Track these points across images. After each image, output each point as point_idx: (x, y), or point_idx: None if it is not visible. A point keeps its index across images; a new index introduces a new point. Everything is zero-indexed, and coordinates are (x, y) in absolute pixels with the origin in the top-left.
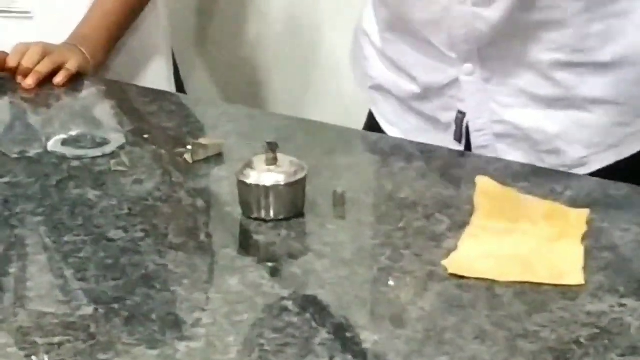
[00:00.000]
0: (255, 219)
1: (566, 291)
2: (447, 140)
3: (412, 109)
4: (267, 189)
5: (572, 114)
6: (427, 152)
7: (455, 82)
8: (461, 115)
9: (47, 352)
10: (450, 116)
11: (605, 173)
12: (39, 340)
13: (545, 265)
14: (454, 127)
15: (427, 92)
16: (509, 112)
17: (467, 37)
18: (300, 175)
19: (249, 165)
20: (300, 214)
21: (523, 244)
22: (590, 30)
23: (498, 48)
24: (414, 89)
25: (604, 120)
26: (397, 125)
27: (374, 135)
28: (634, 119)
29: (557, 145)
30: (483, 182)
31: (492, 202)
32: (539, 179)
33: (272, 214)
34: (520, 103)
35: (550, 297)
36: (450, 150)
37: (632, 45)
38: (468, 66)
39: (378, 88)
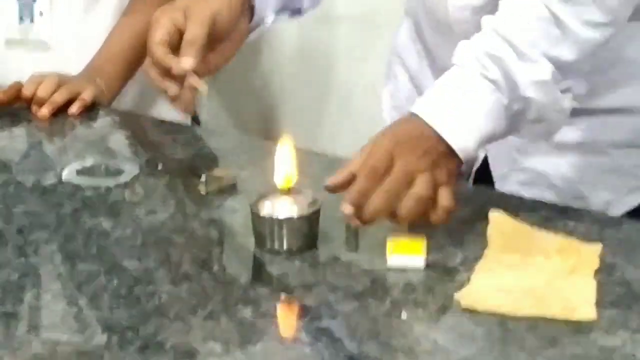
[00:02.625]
0: (269, 251)
1: (579, 326)
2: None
3: None
4: (280, 222)
5: (593, 159)
6: None
7: None
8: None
9: None
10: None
11: (630, 217)
12: None
13: (558, 300)
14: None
15: None
16: (530, 160)
17: None
18: (314, 209)
19: (263, 196)
20: (313, 246)
21: (536, 278)
22: (603, 77)
23: None
24: None
25: (624, 163)
26: None
27: None
28: None
29: (581, 191)
30: (496, 217)
31: (505, 236)
32: (551, 213)
33: (285, 246)
34: (541, 150)
35: (562, 332)
36: (463, 185)
37: None
38: None
39: (399, 109)
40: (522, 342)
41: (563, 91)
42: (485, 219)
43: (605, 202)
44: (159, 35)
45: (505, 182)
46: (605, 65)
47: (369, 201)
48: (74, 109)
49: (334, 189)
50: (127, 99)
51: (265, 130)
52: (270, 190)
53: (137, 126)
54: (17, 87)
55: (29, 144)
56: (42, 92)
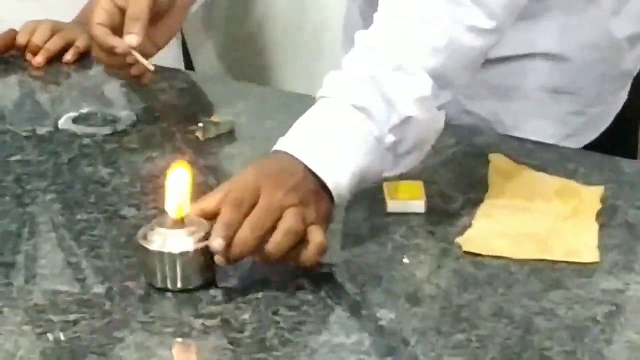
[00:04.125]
0: (160, 290)
1: (581, 269)
2: None
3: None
4: (173, 257)
5: (526, 105)
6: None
7: None
8: None
9: (63, 330)
10: None
11: None
12: (54, 318)
13: (560, 243)
14: None
15: None
16: (472, 104)
17: None
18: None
19: (152, 228)
20: (212, 282)
21: (537, 222)
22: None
23: None
24: None
25: (558, 110)
26: None
27: None
28: (587, 108)
29: (516, 137)
30: (497, 160)
31: (506, 180)
32: (552, 156)
33: (179, 284)
34: (481, 94)
35: (565, 275)
36: (463, 128)
37: (584, 38)
38: None
39: None
40: (526, 286)
41: (439, 108)
42: (484, 162)
43: None
44: (99, 17)
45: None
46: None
47: (237, 235)
48: (68, 56)
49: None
50: None
51: (260, 76)
52: (161, 220)
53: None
54: (11, 35)
55: (24, 92)
56: (36, 40)
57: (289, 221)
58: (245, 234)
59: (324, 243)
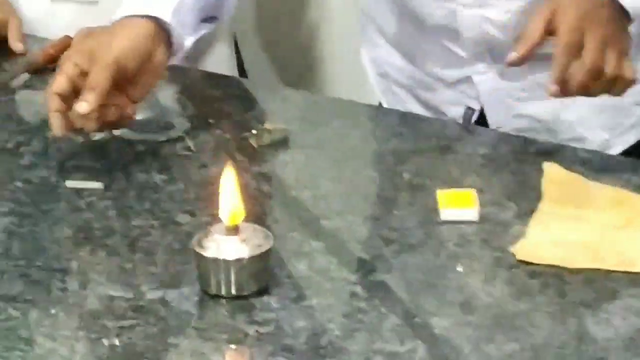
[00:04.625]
0: (214, 297)
1: (636, 278)
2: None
3: (419, 99)
4: (227, 263)
5: (589, 99)
6: (493, 137)
7: (467, 79)
8: (470, 111)
9: (118, 335)
10: (458, 111)
11: (629, 154)
12: (109, 324)
13: (614, 253)
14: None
15: (437, 85)
16: (526, 106)
17: (476, 40)
18: (266, 247)
19: (207, 234)
20: (265, 288)
21: (591, 231)
22: None
23: (509, 47)
24: (424, 78)
25: (621, 101)
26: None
27: (439, 121)
28: None
29: (578, 133)
30: (550, 168)
31: (559, 188)
32: (606, 165)
33: (233, 290)
34: (537, 96)
35: (620, 285)
36: (517, 137)
37: None
38: (481, 66)
39: (384, 75)
40: (580, 295)
41: None
42: (538, 171)
43: (603, 141)
44: (57, 85)
45: (501, 130)
46: None
47: (572, 77)
48: None
49: (519, 62)
50: None
51: (311, 84)
52: (215, 227)
53: (186, 80)
54: (66, 42)
55: None
56: None
57: (613, 64)
58: (581, 79)
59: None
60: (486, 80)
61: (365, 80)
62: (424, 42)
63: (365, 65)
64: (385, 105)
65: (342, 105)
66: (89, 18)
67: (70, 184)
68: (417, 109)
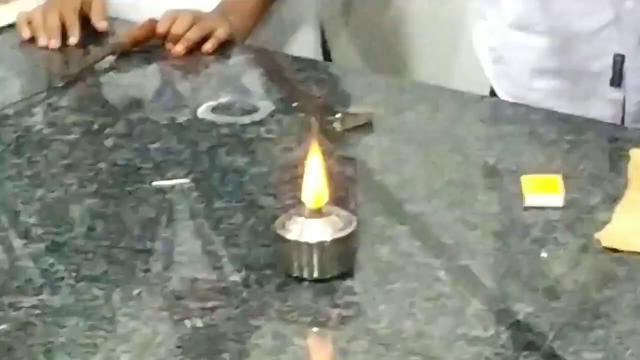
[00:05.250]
0: (296, 279)
1: None
2: (595, 93)
3: (545, 73)
4: (310, 247)
5: None
6: (578, 123)
7: (611, 23)
8: (620, 58)
9: (200, 317)
10: (603, 63)
11: None
12: (192, 305)
13: None
14: (608, 75)
15: (573, 42)
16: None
17: None
18: (349, 229)
19: (290, 217)
20: (349, 272)
21: None
22: None
23: None
24: (555, 43)
25: None
26: (523, 98)
27: (523, 107)
28: None
29: None
30: (637, 155)
31: None
32: None
33: (316, 273)
34: None
35: None
36: (603, 123)
37: None
38: (629, 3)
39: (499, 61)
40: None
41: None
42: (624, 157)
43: None
44: None
45: (636, 75)
46: None
47: None
48: (208, 46)
49: None
50: (260, 37)
51: (396, 69)
52: (299, 210)
53: (271, 63)
54: (152, 24)
55: (163, 81)
56: (176, 29)
57: None
58: None
59: None
60: (633, 21)
61: (449, 66)
62: None
63: (478, 55)
64: (499, 92)
65: (427, 90)
66: (175, 1)
67: (157, 183)
68: (542, 84)
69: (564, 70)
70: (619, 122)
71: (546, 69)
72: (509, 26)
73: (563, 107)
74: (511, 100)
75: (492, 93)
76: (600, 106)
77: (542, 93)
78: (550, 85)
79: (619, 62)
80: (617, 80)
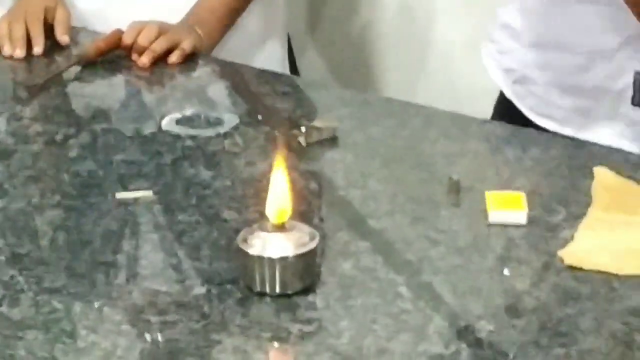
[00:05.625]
0: (258, 294)
1: None
2: (617, 112)
3: (568, 90)
4: (273, 262)
5: None
6: (543, 140)
7: (631, 39)
8: (638, 75)
9: (161, 331)
10: (625, 81)
11: None
12: (152, 319)
13: None
14: (629, 93)
15: (594, 61)
16: None
17: None
18: (311, 245)
19: (252, 231)
20: (311, 287)
21: None
22: None
23: None
24: (577, 61)
25: None
26: (550, 117)
27: (489, 123)
28: None
29: (621, 150)
30: (601, 173)
31: (610, 193)
32: None
33: (277, 289)
34: None
35: None
36: (567, 139)
37: None
38: None
39: (522, 81)
40: (628, 301)
41: None
42: (588, 175)
43: None
44: None
45: None
46: None
47: None
48: (173, 58)
49: None
50: (226, 49)
51: (364, 82)
52: (261, 224)
53: (236, 76)
54: (118, 35)
55: (128, 92)
56: (142, 41)
57: None
58: None
59: None
60: None
61: (416, 80)
62: (579, 12)
63: (493, 77)
64: (525, 111)
65: (393, 105)
66: (141, 12)
67: (120, 195)
68: (567, 102)
69: (586, 88)
70: None
71: (568, 86)
72: (528, 46)
73: (588, 125)
74: (541, 118)
75: (497, 111)
76: (623, 125)
77: (567, 112)
78: (574, 103)
79: (639, 80)
80: (638, 98)
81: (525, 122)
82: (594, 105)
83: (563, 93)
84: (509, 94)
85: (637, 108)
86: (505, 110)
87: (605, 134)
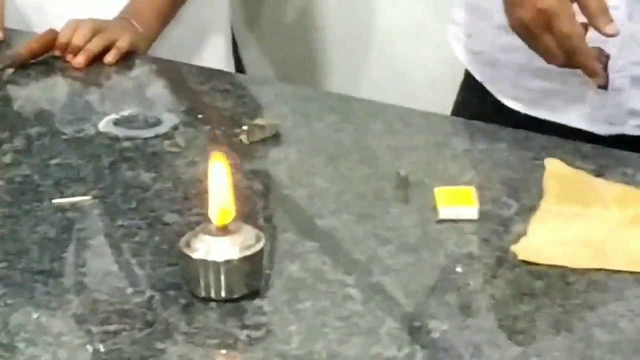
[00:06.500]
0: (203, 299)
1: None
2: (586, 95)
3: (537, 73)
4: (217, 265)
5: None
6: (491, 132)
7: None
8: (605, 58)
9: (103, 341)
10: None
11: None
12: (94, 329)
13: (620, 252)
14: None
15: None
16: None
17: None
18: (257, 247)
19: (195, 234)
20: (256, 290)
21: (596, 229)
22: None
23: None
24: None
25: None
26: (519, 99)
27: (435, 116)
28: None
29: (572, 140)
30: (552, 164)
31: (562, 185)
32: (609, 161)
33: (223, 293)
34: None
35: (626, 285)
36: (516, 131)
37: None
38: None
39: (492, 63)
40: (585, 296)
41: None
42: (539, 166)
43: None
44: None
45: (619, 75)
46: None
47: None
48: (109, 57)
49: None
50: (167, 43)
51: (308, 76)
52: (205, 227)
53: (175, 74)
54: (52, 35)
55: (64, 94)
56: (77, 40)
57: None
58: None
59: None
60: (617, 19)
61: (360, 73)
62: None
63: (461, 59)
64: (497, 94)
65: (336, 100)
66: (75, 8)
67: (57, 201)
68: (537, 84)
69: (555, 71)
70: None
71: (537, 69)
72: (497, 28)
73: (557, 108)
74: (511, 101)
75: (464, 93)
76: (592, 108)
77: (538, 94)
78: (544, 86)
79: (605, 62)
80: (605, 80)
81: (494, 104)
82: (563, 89)
83: (533, 76)
84: (478, 77)
85: (604, 91)
86: (472, 93)
87: (574, 117)
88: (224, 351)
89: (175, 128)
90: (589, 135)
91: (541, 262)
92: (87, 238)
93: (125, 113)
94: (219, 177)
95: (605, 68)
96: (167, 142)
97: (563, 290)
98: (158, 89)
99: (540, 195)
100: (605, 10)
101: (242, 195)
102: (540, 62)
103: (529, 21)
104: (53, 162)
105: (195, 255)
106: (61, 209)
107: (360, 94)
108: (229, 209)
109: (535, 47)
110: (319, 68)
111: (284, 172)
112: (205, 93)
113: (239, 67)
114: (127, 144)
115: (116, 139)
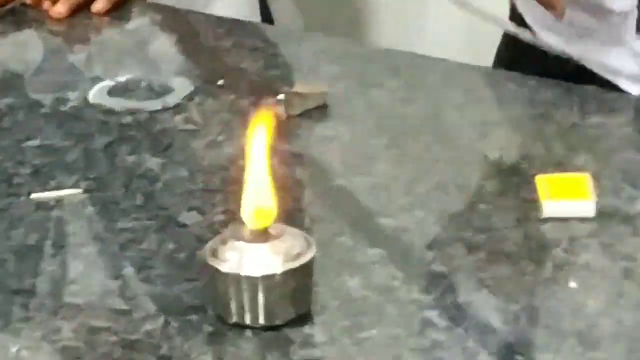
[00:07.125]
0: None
1: None
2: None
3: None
4: (254, 281)
5: None
6: (608, 101)
7: None
8: None
9: None
10: (627, 3)
11: None
12: None
13: None
14: (634, 16)
15: None
16: None
17: None
18: (305, 257)
19: (225, 241)
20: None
21: None
22: None
23: None
24: None
25: None
26: (554, 31)
27: (531, 79)
28: None
29: None
30: None
31: None
32: None
33: (261, 319)
34: None
35: None
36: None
37: None
38: None
39: None
40: None
41: None
42: None
43: None
44: None
45: None
46: None
47: None
48: (99, 4)
49: None
50: None
51: (352, 29)
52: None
53: (185, 27)
54: None
55: (42, 53)
56: None
57: None
58: None
59: None
60: None
61: (415, 29)
62: None
63: None
64: (533, 25)
65: (399, 58)
66: None
67: (37, 195)
68: (578, 17)
69: (591, 6)
70: None
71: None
72: None
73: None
74: (545, 31)
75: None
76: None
77: (576, 28)
78: (577, 20)
79: None
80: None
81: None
82: (603, 27)
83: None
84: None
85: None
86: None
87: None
88: None
89: (189, 98)
90: None
91: None
92: (78, 245)
93: (122, 79)
94: (255, 163)
95: None
96: (178, 116)
97: None
98: (164, 47)
99: None
100: None
101: (282, 188)
102: None
103: None
104: (30, 144)
105: (224, 268)
106: (43, 206)
107: (411, 49)
108: (268, 206)
109: None
110: (364, 19)
111: (336, 155)
112: (226, 51)
113: (266, 16)
114: (126, 119)
115: (112, 112)
